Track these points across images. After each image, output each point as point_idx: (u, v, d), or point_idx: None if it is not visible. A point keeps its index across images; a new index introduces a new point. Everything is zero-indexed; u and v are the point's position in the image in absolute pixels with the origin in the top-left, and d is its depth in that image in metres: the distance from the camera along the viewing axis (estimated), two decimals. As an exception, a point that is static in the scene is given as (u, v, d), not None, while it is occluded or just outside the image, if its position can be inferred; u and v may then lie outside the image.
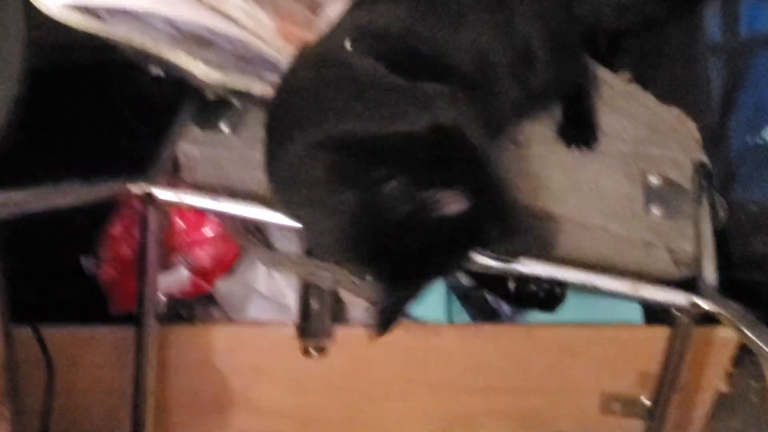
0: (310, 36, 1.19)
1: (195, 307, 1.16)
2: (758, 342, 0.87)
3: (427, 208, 0.88)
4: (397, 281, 0.93)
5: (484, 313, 1.22)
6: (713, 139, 1.22)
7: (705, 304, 0.96)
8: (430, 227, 0.88)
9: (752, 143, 1.20)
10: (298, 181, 0.93)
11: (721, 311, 0.95)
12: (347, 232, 0.90)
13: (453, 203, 0.88)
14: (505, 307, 1.21)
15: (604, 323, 1.19)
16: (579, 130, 1.16)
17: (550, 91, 1.16)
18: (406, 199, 0.87)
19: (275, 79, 1.11)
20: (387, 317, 0.93)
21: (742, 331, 0.90)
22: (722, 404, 1.33)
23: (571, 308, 1.23)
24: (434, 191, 0.87)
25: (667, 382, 1.04)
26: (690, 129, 1.24)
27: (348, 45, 0.99)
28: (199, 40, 1.04)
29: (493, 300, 1.21)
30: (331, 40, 1.02)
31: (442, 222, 0.88)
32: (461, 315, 1.24)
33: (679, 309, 0.98)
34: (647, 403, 1.11)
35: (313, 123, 0.93)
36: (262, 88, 1.09)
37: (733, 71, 1.24)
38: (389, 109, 0.92)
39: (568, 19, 1.20)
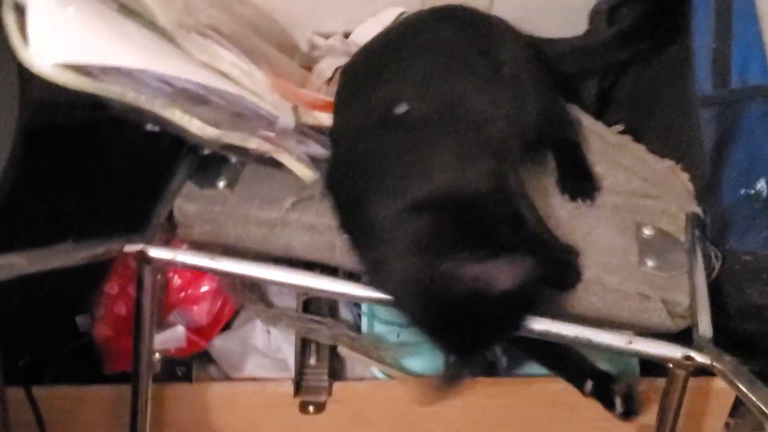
0: (305, 92, 1.21)
1: (191, 365, 1.14)
2: (751, 396, 0.87)
3: (495, 279, 0.89)
4: (464, 349, 0.94)
5: (481, 367, 1.21)
6: (706, 191, 1.22)
7: (700, 357, 0.96)
8: (497, 297, 0.89)
9: (745, 194, 1.21)
10: (382, 240, 0.95)
11: (716, 364, 0.95)
12: (422, 296, 0.91)
13: (517, 270, 0.89)
14: (502, 360, 1.20)
15: (602, 375, 1.18)
16: (579, 182, 1.17)
17: (541, 140, 1.17)
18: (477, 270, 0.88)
19: (271, 134, 1.12)
20: (454, 376, 0.95)
21: (735, 385, 0.90)
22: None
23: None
24: (500, 261, 0.89)
25: (664, 432, 1.03)
26: (683, 180, 1.25)
27: (402, 108, 1.02)
28: (193, 97, 1.04)
29: (490, 354, 1.20)
30: (381, 106, 1.05)
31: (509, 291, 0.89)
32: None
33: (674, 362, 0.97)
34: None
35: (393, 188, 0.98)
36: (258, 143, 1.10)
37: (724, 123, 1.24)
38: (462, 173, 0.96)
39: (545, 62, 1.23)
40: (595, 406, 1.20)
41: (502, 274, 0.89)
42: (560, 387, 1.18)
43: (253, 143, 1.10)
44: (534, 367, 1.22)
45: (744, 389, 0.89)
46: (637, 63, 1.41)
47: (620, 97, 1.44)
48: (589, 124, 1.32)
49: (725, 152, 1.23)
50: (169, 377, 1.16)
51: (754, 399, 0.87)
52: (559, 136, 1.21)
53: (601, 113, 1.43)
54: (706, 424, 1.23)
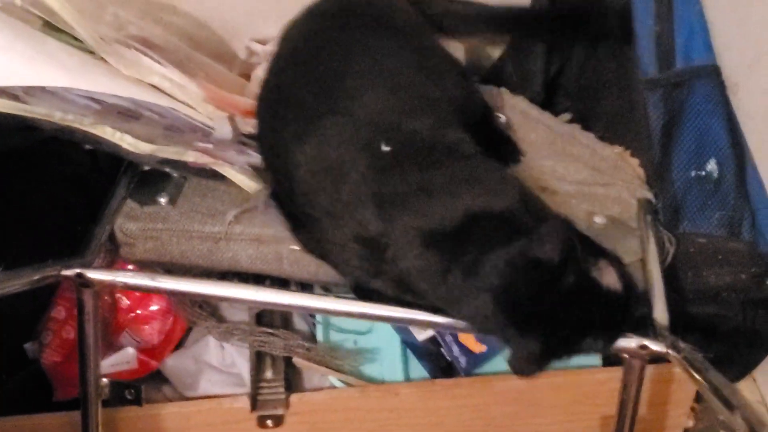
0: (242, 101, 1.18)
1: (140, 387, 1.11)
2: (704, 383, 0.85)
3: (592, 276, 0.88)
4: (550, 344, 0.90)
5: (441, 369, 1.20)
6: (657, 175, 1.21)
7: (654, 346, 0.95)
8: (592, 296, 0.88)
9: (696, 176, 1.19)
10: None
11: (671, 352, 0.93)
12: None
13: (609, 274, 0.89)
14: (462, 360, 1.18)
15: (562, 369, 1.16)
16: (500, 148, 1.15)
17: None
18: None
19: (208, 146, 1.09)
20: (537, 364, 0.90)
21: (690, 372, 0.88)
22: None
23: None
24: (596, 259, 0.89)
25: (625, 423, 1.02)
26: (633, 166, 1.24)
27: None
28: (123, 113, 1.02)
29: (448, 353, 1.18)
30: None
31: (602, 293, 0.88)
32: (419, 372, 1.22)
33: (629, 352, 0.96)
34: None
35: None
36: (196, 156, 1.07)
37: (671, 105, 1.23)
38: None
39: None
40: (558, 401, 1.19)
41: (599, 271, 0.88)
42: (523, 384, 1.17)
43: (191, 156, 1.08)
44: (494, 365, 1.20)
45: (698, 376, 0.88)
46: (582, 49, 1.39)
47: (568, 86, 1.42)
48: (536, 114, 1.31)
49: (674, 135, 1.22)
50: (120, 401, 1.13)
51: (706, 385, 0.85)
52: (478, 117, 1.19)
53: (549, 103, 1.41)
54: (672, 411, 1.22)
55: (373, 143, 0.96)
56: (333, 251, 0.99)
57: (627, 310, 0.92)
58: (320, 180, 0.96)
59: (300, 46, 1.09)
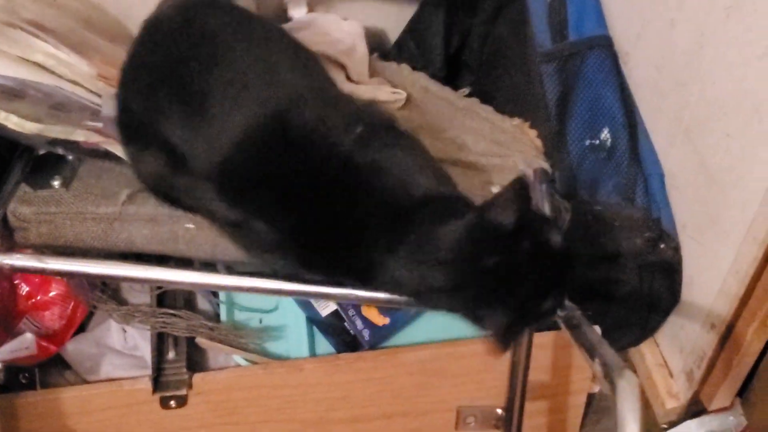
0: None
1: (35, 372, 1.10)
2: (576, 338, 0.86)
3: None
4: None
5: (345, 343, 1.20)
6: (553, 145, 1.23)
7: (543, 308, 0.95)
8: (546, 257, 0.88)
9: (590, 145, 1.22)
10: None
11: (558, 313, 0.95)
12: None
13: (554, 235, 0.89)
14: (365, 333, 1.19)
15: (465, 339, 1.18)
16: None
17: None
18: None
19: (98, 124, 1.08)
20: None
21: (572, 332, 0.90)
22: (596, 405, 1.34)
23: (434, 328, 1.22)
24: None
25: (517, 389, 1.03)
26: (531, 137, 1.25)
27: None
28: (7, 92, 1.00)
29: (352, 327, 1.19)
30: None
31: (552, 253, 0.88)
32: (326, 348, 1.23)
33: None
34: (500, 412, 1.11)
35: None
36: (86, 135, 1.06)
37: (565, 76, 1.25)
38: None
39: None
40: (464, 369, 1.20)
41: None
42: (427, 354, 1.18)
43: (80, 136, 1.06)
44: (398, 338, 1.21)
45: (577, 336, 0.89)
46: (482, 25, 1.41)
47: (469, 62, 1.44)
48: (436, 90, 1.32)
49: (568, 105, 1.24)
50: (15, 386, 1.11)
51: (578, 339, 0.87)
52: None
53: (453, 79, 1.43)
54: (575, 375, 1.24)
55: None
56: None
57: (571, 268, 0.92)
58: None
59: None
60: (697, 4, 1.06)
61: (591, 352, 0.83)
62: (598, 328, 1.13)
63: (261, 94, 0.90)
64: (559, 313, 0.95)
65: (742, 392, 1.29)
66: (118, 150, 1.10)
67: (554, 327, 1.07)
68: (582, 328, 0.87)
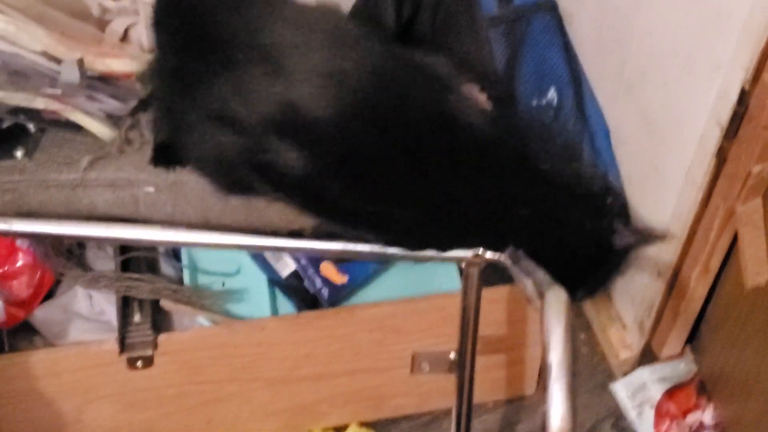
0: (99, 48, 1.20)
1: (3, 332, 1.13)
2: (523, 280, 0.90)
3: None
4: None
5: (306, 303, 1.24)
6: (504, 108, 1.26)
7: (486, 254, 0.99)
8: None
9: (538, 105, 1.26)
10: None
11: (502, 258, 0.98)
12: None
13: None
14: (324, 292, 1.23)
15: (420, 296, 1.22)
16: None
17: None
18: None
19: (56, 91, 1.11)
20: None
21: (514, 274, 0.93)
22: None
23: (391, 287, 1.26)
24: None
25: (468, 330, 1.07)
26: (481, 101, 1.29)
27: None
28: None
29: (311, 287, 1.23)
30: None
31: None
32: (288, 309, 1.26)
33: (466, 261, 1.01)
34: (453, 356, 1.15)
35: None
36: (46, 102, 1.09)
37: (512, 39, 1.29)
38: None
39: None
40: (422, 325, 1.24)
41: None
42: (384, 311, 1.22)
43: (41, 103, 1.09)
44: (356, 298, 1.25)
45: (517, 269, 0.92)
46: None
47: (422, 32, 1.47)
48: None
49: (516, 67, 1.28)
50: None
51: (522, 275, 0.90)
52: None
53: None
54: (530, 328, 1.28)
55: None
56: None
57: None
58: None
59: None
60: (631, -38, 1.11)
61: (525, 273, 0.86)
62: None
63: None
64: (506, 254, 0.98)
65: (692, 340, 1.33)
66: (79, 118, 1.13)
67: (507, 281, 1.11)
68: (522, 261, 0.91)
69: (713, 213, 1.08)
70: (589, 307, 1.43)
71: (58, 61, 1.11)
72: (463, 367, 1.08)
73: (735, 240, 1.10)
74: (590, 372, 1.39)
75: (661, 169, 1.15)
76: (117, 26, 1.25)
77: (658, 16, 1.07)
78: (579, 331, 1.43)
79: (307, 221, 1.18)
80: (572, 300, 1.34)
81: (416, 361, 1.22)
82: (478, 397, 1.31)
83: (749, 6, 0.89)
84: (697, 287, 1.19)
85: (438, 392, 1.30)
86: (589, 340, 1.42)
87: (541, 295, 0.77)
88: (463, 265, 1.04)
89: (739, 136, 0.99)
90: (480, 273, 1.04)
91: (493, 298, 1.23)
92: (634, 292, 1.31)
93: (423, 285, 1.27)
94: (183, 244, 1.18)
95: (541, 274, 0.83)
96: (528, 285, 0.81)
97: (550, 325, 0.72)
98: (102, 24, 1.29)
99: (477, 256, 1.01)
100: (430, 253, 1.02)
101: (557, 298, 0.76)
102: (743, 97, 0.95)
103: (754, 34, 0.90)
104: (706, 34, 0.98)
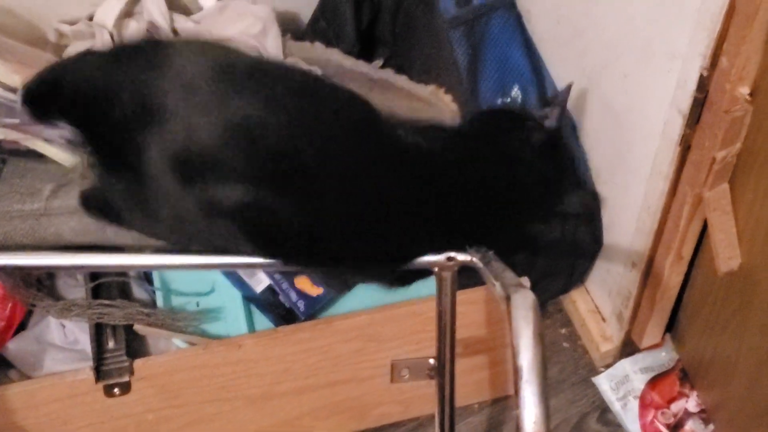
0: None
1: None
2: (492, 278, 0.89)
3: None
4: None
5: (282, 317, 1.23)
6: (468, 107, 1.26)
7: (460, 256, 0.99)
8: None
9: (503, 103, 1.26)
10: None
11: (474, 260, 0.98)
12: None
13: None
14: (300, 305, 1.22)
15: (397, 302, 1.21)
16: None
17: None
18: None
19: (14, 121, 1.09)
20: None
21: (486, 276, 0.93)
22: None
23: (370, 294, 1.25)
24: None
25: (446, 338, 1.06)
26: (446, 102, 1.29)
27: None
28: None
29: (287, 300, 1.22)
30: None
31: None
32: (265, 325, 1.25)
33: (439, 265, 1.00)
34: (432, 362, 1.14)
35: None
36: (5, 133, 1.08)
37: (473, 39, 1.29)
38: None
39: None
40: (401, 332, 1.23)
41: None
42: (361, 320, 1.21)
43: (0, 134, 1.08)
44: (333, 307, 1.24)
45: (486, 271, 0.92)
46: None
47: (383, 36, 1.47)
48: (350, 65, 1.35)
49: (478, 67, 1.28)
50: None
51: (492, 276, 0.89)
52: None
53: (369, 54, 1.46)
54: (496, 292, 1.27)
55: None
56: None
57: None
58: None
59: None
60: (584, -45, 1.11)
61: (494, 276, 0.86)
62: (527, 279, 1.18)
63: None
64: (475, 253, 0.98)
65: (672, 328, 1.33)
66: (39, 147, 1.12)
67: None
68: (492, 264, 0.91)
69: (682, 200, 1.08)
70: (567, 301, 1.43)
71: (14, 90, 1.10)
72: (443, 373, 1.07)
73: (706, 226, 1.10)
74: (573, 366, 1.39)
75: (627, 159, 1.15)
76: (74, 51, 1.24)
77: (614, 7, 1.08)
78: (559, 326, 1.43)
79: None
80: (549, 297, 1.36)
81: (396, 369, 1.21)
82: (462, 400, 1.31)
83: (701, -6, 0.89)
84: (672, 275, 1.18)
85: (422, 398, 1.30)
86: (570, 334, 1.41)
87: (508, 298, 0.76)
88: (436, 269, 1.02)
89: (702, 123, 0.99)
90: (453, 276, 1.03)
91: (471, 300, 1.22)
92: (611, 284, 1.31)
93: (400, 291, 1.26)
94: (154, 267, 1.17)
95: (509, 276, 0.82)
96: (497, 287, 0.80)
97: (518, 327, 0.72)
98: (59, 49, 1.28)
99: (449, 259, 1.00)
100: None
101: (524, 300, 0.75)
102: (703, 84, 0.95)
103: (708, 21, 0.90)
104: (661, 24, 0.98)
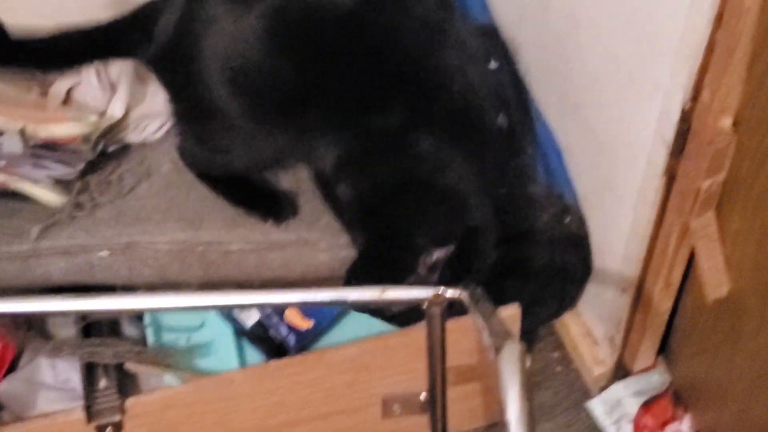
0: (36, 113, 1.19)
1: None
2: (481, 321, 0.89)
3: None
4: None
5: (273, 351, 1.23)
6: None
7: (448, 293, 0.99)
8: None
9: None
10: None
11: (462, 296, 0.98)
12: None
13: None
14: (290, 339, 1.22)
15: (388, 332, 1.21)
16: None
17: None
18: None
19: (1, 164, 1.10)
20: None
21: (475, 312, 0.93)
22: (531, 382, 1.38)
23: (357, 326, 1.26)
24: None
25: (436, 369, 1.06)
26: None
27: None
28: None
29: (277, 335, 1.22)
30: None
31: None
32: (256, 359, 1.25)
33: (427, 301, 1.01)
34: (423, 396, 1.14)
35: None
36: (-8, 174, 1.08)
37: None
38: None
39: None
40: (392, 362, 1.23)
41: None
42: (352, 351, 1.21)
43: (-12, 176, 1.09)
44: (324, 341, 1.24)
45: (475, 311, 0.92)
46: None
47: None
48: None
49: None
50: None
51: (481, 320, 0.90)
52: None
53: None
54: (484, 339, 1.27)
55: None
56: None
57: None
58: None
59: None
60: (565, -15, 1.11)
61: (483, 321, 0.86)
62: (517, 306, 1.18)
63: None
64: (462, 290, 0.98)
65: (664, 350, 1.33)
66: (26, 188, 1.12)
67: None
68: (480, 303, 0.91)
69: (669, 229, 1.08)
70: (559, 324, 1.43)
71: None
72: (434, 407, 1.07)
73: (694, 252, 1.10)
74: (566, 390, 1.39)
75: (614, 186, 1.16)
76: (59, 88, 1.25)
77: (596, 38, 1.08)
78: (551, 349, 1.43)
79: (264, 273, 1.18)
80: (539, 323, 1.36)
81: (387, 404, 1.21)
82: (456, 427, 1.31)
83: (681, 30, 0.89)
84: (662, 300, 1.19)
85: (415, 427, 1.29)
86: (562, 357, 1.41)
87: (496, 348, 0.76)
88: (425, 305, 1.03)
89: (686, 153, 0.99)
90: (442, 312, 1.03)
91: (460, 329, 1.22)
92: (601, 308, 1.31)
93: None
94: (145, 310, 1.17)
95: (498, 324, 0.82)
96: (485, 336, 0.80)
97: (506, 382, 0.72)
98: (45, 84, 1.28)
99: (437, 295, 1.01)
100: (390, 294, 1.02)
101: (512, 353, 0.75)
102: (685, 116, 0.96)
103: (689, 56, 0.90)
104: (643, 56, 0.99)
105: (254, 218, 1.18)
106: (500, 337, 0.77)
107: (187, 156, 1.22)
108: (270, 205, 1.20)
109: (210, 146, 1.18)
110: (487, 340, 0.80)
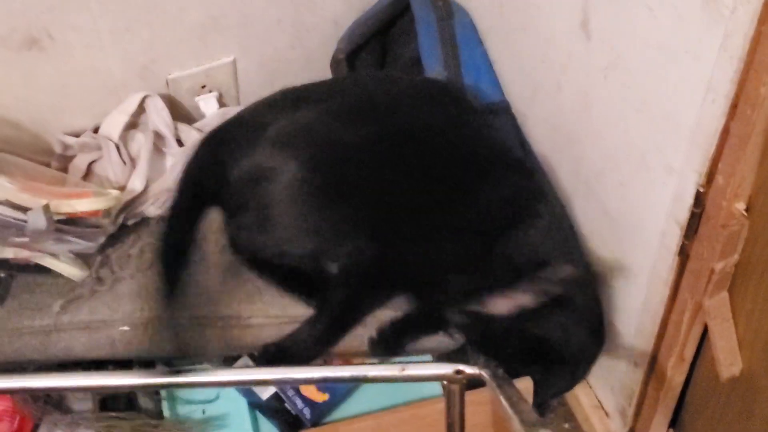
0: (58, 188, 1.21)
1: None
2: (503, 400, 0.91)
3: None
4: None
5: (288, 424, 1.24)
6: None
7: (469, 369, 1.01)
8: None
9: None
10: None
11: (483, 373, 1.00)
12: None
13: None
14: (306, 412, 1.23)
15: (402, 405, 1.22)
16: None
17: None
18: None
19: (23, 239, 1.11)
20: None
21: (497, 390, 0.95)
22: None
23: (375, 396, 1.26)
24: None
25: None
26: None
27: None
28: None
29: (293, 407, 1.23)
30: None
31: None
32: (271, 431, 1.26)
33: (447, 378, 1.02)
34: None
35: None
36: (15, 252, 1.10)
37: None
38: None
39: None
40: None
41: None
42: (367, 425, 1.22)
43: (9, 253, 1.11)
44: (338, 413, 1.25)
45: (498, 394, 0.94)
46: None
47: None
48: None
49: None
50: None
51: (507, 404, 0.91)
52: None
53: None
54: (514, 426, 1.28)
55: None
56: None
57: None
58: None
59: None
60: (578, 67, 1.14)
61: (511, 407, 0.88)
62: (529, 379, 1.19)
63: None
64: (482, 368, 1.00)
65: (675, 423, 1.34)
66: (48, 262, 1.14)
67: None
68: (505, 384, 0.93)
69: (682, 307, 1.10)
70: (570, 395, 1.44)
71: (22, 208, 1.12)
72: (452, 483, 1.07)
73: (707, 329, 1.12)
74: (579, 462, 1.39)
75: (627, 263, 1.17)
76: (80, 162, 1.27)
77: (609, 118, 1.10)
78: (563, 420, 1.43)
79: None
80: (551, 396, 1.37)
81: (406, 479, 1.22)
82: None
83: (695, 117, 0.91)
84: (674, 375, 1.20)
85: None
86: (574, 429, 1.42)
87: (529, 436, 0.78)
88: (445, 382, 1.04)
89: (699, 235, 1.01)
90: (462, 389, 1.05)
91: (478, 401, 1.23)
92: (613, 381, 1.32)
93: (405, 392, 1.28)
94: (163, 386, 1.18)
95: (528, 409, 0.84)
96: (515, 422, 0.82)
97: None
98: (65, 159, 1.31)
99: (457, 372, 1.02)
100: (410, 372, 1.03)
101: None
102: (699, 199, 0.98)
103: (703, 141, 0.93)
104: (657, 139, 1.01)
105: (297, 299, 1.17)
106: (531, 423, 0.78)
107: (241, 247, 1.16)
108: (308, 286, 1.18)
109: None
110: (516, 427, 0.81)
